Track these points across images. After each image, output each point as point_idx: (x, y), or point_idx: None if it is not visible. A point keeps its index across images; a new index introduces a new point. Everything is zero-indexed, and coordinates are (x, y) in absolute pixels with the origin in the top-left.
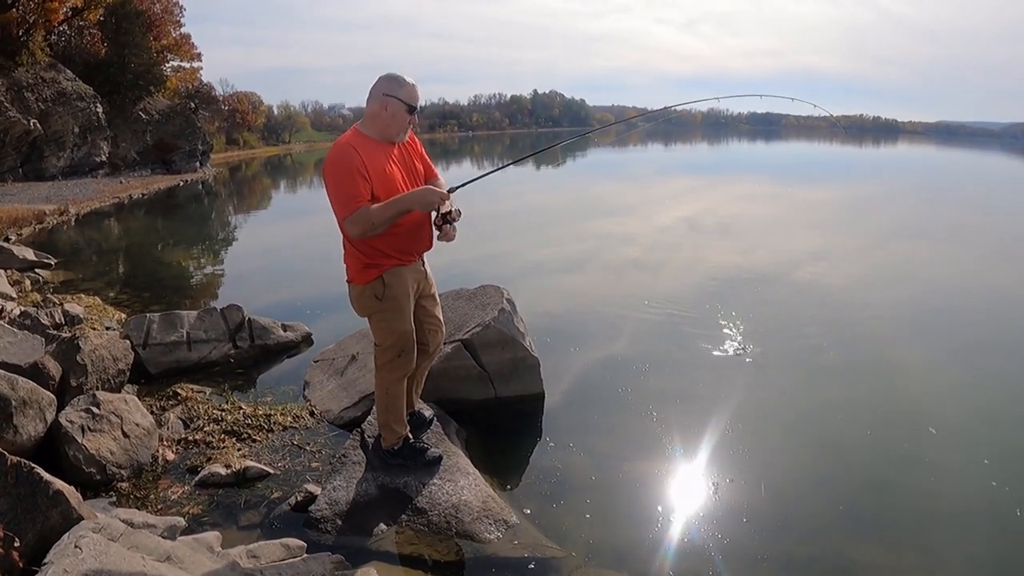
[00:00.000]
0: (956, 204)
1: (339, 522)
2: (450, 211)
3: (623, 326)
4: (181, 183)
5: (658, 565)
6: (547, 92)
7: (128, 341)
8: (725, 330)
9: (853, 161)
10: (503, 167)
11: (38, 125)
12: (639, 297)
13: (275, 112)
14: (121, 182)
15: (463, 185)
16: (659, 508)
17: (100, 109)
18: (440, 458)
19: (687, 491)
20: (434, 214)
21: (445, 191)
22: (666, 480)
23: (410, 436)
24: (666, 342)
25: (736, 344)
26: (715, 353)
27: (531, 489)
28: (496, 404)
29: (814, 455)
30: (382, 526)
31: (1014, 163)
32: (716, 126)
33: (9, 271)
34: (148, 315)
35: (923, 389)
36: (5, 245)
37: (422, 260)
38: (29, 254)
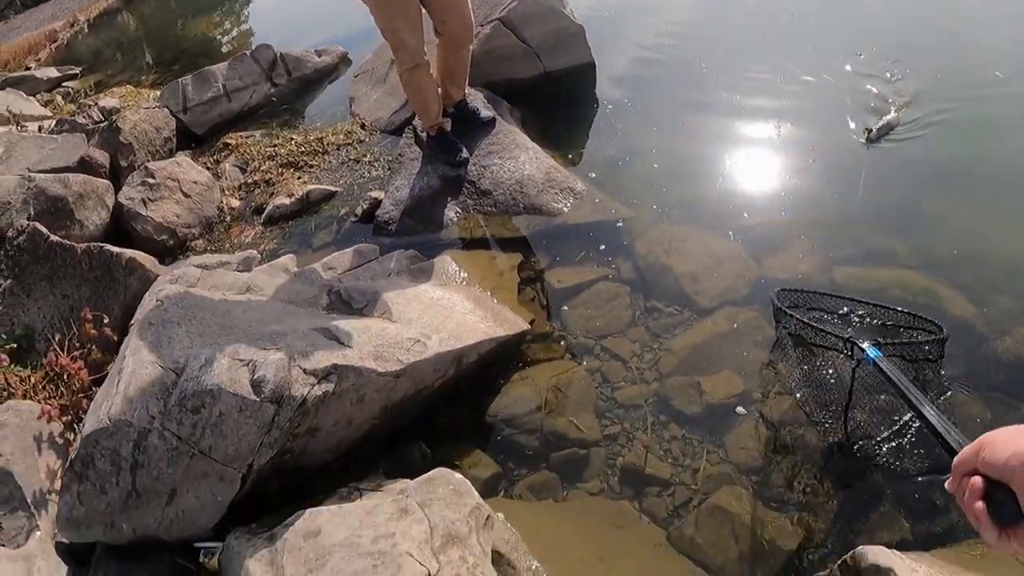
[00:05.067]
0: None
1: (407, 220)
2: None
3: None
4: None
5: (730, 213)
6: None
7: (166, 110)
8: None
9: None
10: None
11: None
12: None
13: None
14: None
15: None
16: (727, 161)
17: None
18: (494, 119)
19: (754, 142)
20: None
21: None
22: (732, 134)
23: (446, 127)
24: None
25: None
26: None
27: (594, 157)
28: (546, 79)
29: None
30: (450, 215)
31: None
32: None
33: (38, 95)
34: (180, 80)
35: None
36: (27, 73)
37: None
38: (52, 72)
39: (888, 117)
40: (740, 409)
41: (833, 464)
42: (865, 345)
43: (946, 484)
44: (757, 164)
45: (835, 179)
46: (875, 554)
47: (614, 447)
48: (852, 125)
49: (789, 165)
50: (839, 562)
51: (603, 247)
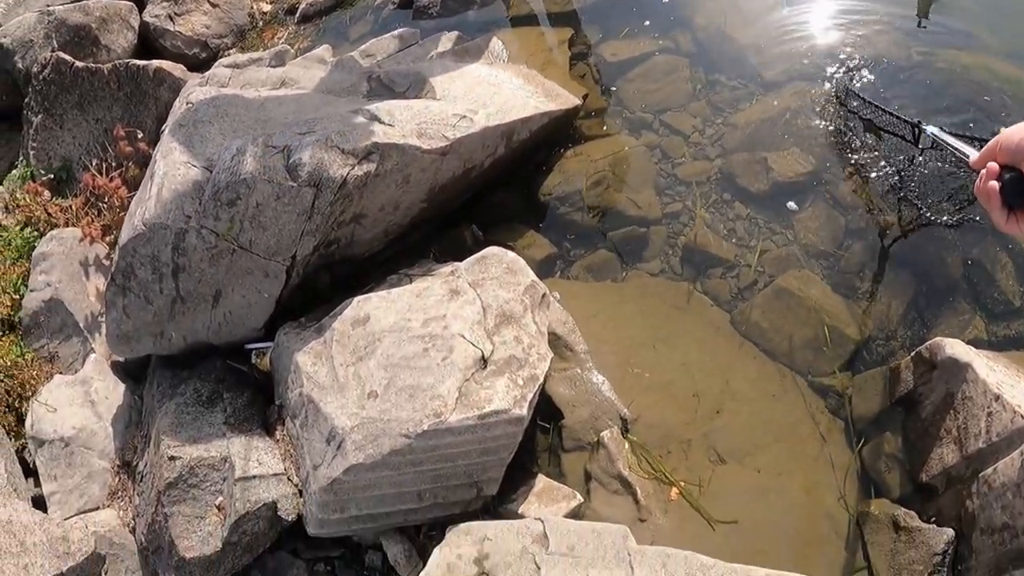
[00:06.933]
0: None
1: (449, 2)
2: None
3: None
4: None
5: None
6: None
7: None
8: None
9: None
10: None
11: None
12: None
13: None
14: None
15: None
16: None
17: None
18: None
19: None
20: None
21: None
22: None
23: None
24: None
25: None
26: None
27: None
28: None
29: None
30: None
31: None
32: None
33: None
34: None
35: None
36: None
37: None
38: None
39: None
40: (792, 204)
41: (907, 252)
42: (928, 126)
43: (971, 161)
44: None
45: None
46: (952, 347)
47: (675, 226)
48: None
49: None
50: (913, 353)
51: (659, 19)
